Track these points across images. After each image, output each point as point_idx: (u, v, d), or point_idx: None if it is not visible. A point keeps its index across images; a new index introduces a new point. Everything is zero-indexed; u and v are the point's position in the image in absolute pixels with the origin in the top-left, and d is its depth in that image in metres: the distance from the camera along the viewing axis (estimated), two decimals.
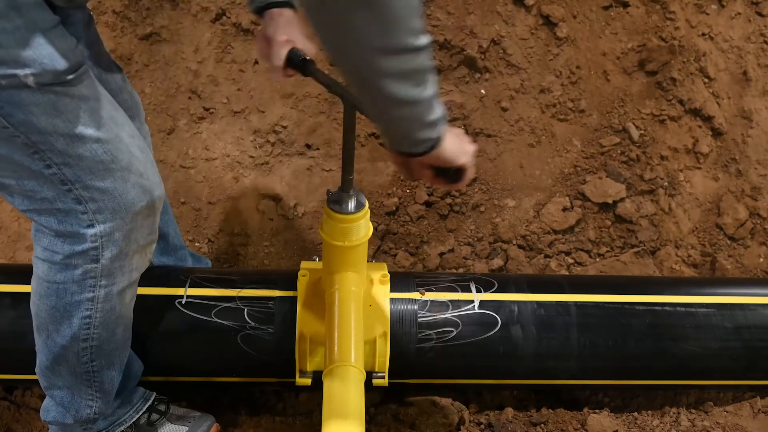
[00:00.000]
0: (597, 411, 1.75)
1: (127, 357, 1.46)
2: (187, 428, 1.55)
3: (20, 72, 1.06)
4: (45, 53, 1.07)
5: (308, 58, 1.31)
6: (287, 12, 1.33)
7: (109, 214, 1.22)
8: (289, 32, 1.31)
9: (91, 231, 1.22)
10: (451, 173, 1.21)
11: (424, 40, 0.95)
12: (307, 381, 1.57)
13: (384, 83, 0.96)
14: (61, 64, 1.09)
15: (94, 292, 1.28)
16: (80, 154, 1.16)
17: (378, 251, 2.18)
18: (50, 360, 1.37)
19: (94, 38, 1.39)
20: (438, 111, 1.08)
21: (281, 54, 1.29)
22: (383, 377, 1.58)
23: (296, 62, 1.30)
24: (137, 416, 1.50)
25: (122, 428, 1.48)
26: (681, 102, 2.28)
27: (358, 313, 1.47)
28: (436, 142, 1.11)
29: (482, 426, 1.73)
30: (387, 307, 1.58)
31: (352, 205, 1.39)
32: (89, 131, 1.16)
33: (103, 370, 1.39)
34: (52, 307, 1.30)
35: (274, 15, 1.33)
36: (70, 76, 1.12)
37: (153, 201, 1.28)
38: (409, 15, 0.91)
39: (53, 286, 1.28)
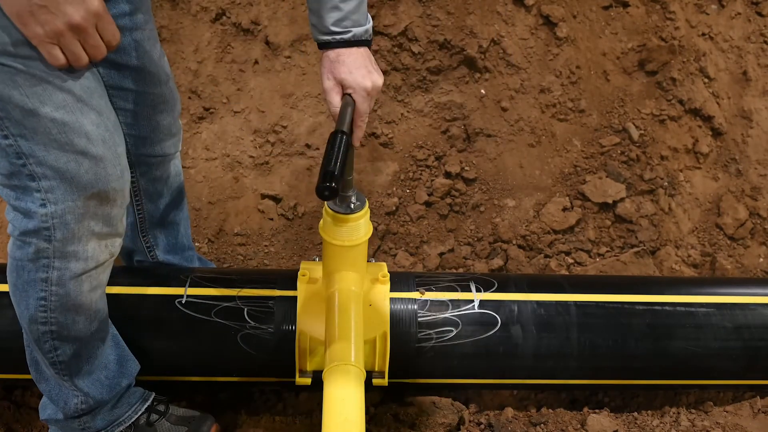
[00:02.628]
0: (597, 411, 1.75)
1: (104, 354, 1.44)
2: (186, 428, 1.55)
3: None
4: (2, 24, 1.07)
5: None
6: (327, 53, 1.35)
7: (61, 194, 1.22)
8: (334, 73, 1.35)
9: (42, 210, 1.23)
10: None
11: None
12: (307, 381, 1.57)
13: None
14: (11, 36, 1.08)
15: (47, 273, 1.29)
16: (35, 128, 1.16)
17: (378, 251, 2.18)
18: (27, 347, 1.40)
19: (148, 35, 1.39)
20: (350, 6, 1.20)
21: (334, 102, 1.38)
22: (383, 377, 1.57)
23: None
24: (136, 416, 1.49)
25: (121, 428, 1.48)
26: (681, 102, 2.28)
27: (358, 313, 1.47)
28: (340, 41, 1.22)
29: (482, 426, 1.73)
30: (387, 306, 1.58)
31: (351, 205, 1.39)
32: (45, 110, 1.16)
33: (70, 361, 1.38)
34: (14, 284, 1.33)
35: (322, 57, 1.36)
36: (24, 51, 1.10)
37: (106, 191, 1.27)
38: None
39: (14, 262, 1.31)
